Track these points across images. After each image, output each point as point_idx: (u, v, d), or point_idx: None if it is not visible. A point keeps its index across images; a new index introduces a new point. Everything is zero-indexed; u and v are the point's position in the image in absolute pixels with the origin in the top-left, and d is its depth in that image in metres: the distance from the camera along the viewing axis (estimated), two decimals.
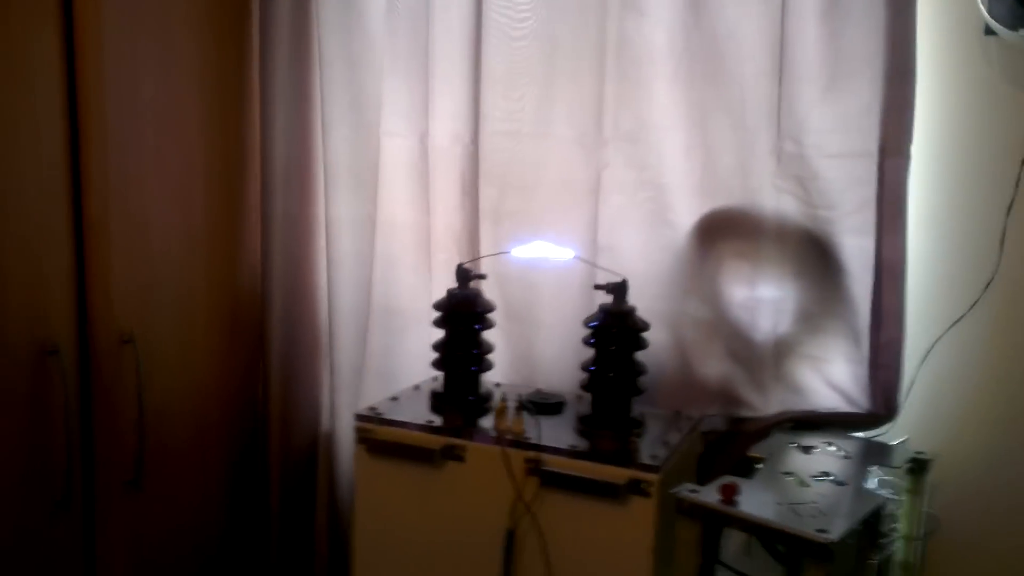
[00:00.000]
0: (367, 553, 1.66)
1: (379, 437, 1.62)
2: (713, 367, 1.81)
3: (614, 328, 1.57)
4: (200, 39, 1.86)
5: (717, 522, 1.37)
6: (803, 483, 1.46)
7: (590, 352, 1.61)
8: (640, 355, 1.61)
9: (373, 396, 1.96)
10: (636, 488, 1.44)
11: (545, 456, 1.50)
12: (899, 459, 1.61)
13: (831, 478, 1.48)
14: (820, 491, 1.42)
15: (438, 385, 1.78)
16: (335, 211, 2.04)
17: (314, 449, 2.16)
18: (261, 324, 2.08)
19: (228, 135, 1.96)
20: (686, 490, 1.39)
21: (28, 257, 1.53)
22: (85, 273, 1.63)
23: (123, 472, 1.72)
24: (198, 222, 1.89)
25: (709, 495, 1.37)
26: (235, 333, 2.02)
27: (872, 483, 1.53)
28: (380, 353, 2.04)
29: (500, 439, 1.53)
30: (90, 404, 1.66)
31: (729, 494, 1.36)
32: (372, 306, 2.04)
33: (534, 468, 1.50)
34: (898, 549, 1.68)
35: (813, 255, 1.73)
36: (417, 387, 1.85)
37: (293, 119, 2.05)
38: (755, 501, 1.36)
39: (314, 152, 2.08)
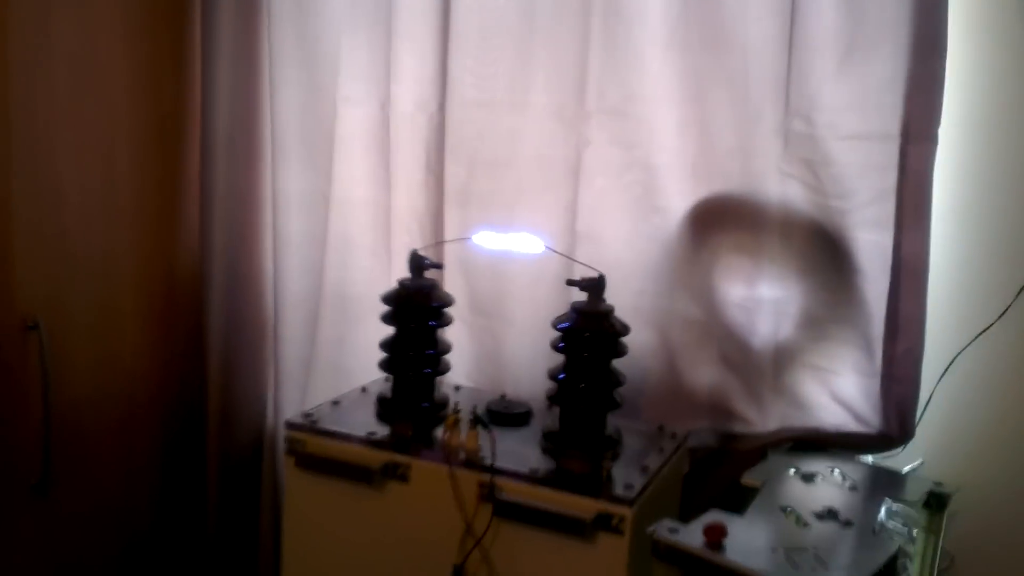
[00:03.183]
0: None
1: (311, 450, 1.40)
2: (704, 375, 1.59)
3: (587, 332, 1.34)
4: None
5: (699, 571, 1.15)
6: (802, 522, 1.24)
7: (560, 358, 1.39)
8: (619, 363, 1.38)
9: (322, 393, 1.77)
10: (606, 524, 1.23)
11: (501, 481, 1.28)
12: (913, 491, 1.40)
13: (836, 517, 1.26)
14: (822, 533, 1.21)
15: (389, 387, 1.55)
16: (283, 185, 1.82)
17: (259, 448, 1.95)
18: (199, 310, 1.85)
19: (162, 93, 1.73)
20: (664, 529, 1.17)
21: None
22: None
23: (26, 476, 1.51)
24: (124, 193, 1.66)
25: (691, 536, 1.16)
26: (169, 319, 1.80)
27: (883, 521, 1.31)
28: (331, 345, 1.83)
29: (449, 458, 1.31)
30: None
31: (715, 536, 1.14)
32: (323, 293, 1.82)
33: (488, 494, 1.28)
34: None
35: (822, 251, 1.52)
36: (364, 389, 1.62)
37: (238, 78, 1.82)
38: (745, 545, 1.14)
39: (261, 117, 1.85)
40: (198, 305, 1.85)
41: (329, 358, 1.83)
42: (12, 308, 1.46)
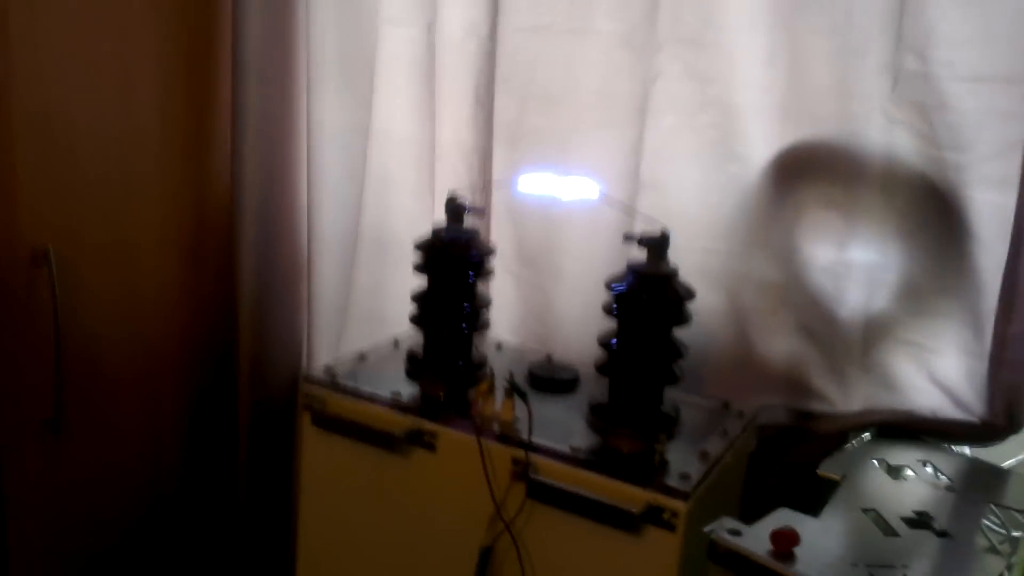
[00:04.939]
0: (313, 547, 1.33)
1: (330, 410, 1.26)
2: (779, 345, 1.40)
3: (645, 295, 1.16)
4: None
5: None
6: (890, 530, 1.05)
7: (612, 324, 1.20)
8: (681, 330, 1.20)
9: (357, 341, 1.65)
10: (656, 518, 1.06)
11: (537, 459, 1.12)
12: (1018, 491, 1.20)
13: (929, 524, 1.07)
14: (913, 545, 1.02)
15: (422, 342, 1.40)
16: (319, 114, 1.66)
17: (293, 397, 1.83)
18: (231, 246, 1.72)
19: (186, 6, 1.56)
20: (724, 529, 1.00)
21: None
22: None
23: (37, 410, 1.41)
24: (145, 115, 1.52)
25: (756, 541, 0.98)
26: (197, 255, 1.66)
27: (984, 527, 1.12)
28: (367, 291, 1.69)
29: (480, 429, 1.16)
30: None
31: (785, 545, 0.97)
32: (361, 234, 1.67)
33: (521, 473, 1.12)
34: None
35: (930, 211, 1.30)
36: (397, 342, 1.47)
37: None
38: (820, 556, 0.97)
39: (296, 38, 1.68)
40: (229, 241, 1.71)
41: (365, 304, 1.69)
42: (19, 238, 1.35)
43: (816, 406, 1.39)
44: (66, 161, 1.40)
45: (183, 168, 1.61)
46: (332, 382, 1.28)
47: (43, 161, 1.37)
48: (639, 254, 1.21)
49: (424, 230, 1.50)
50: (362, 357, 1.40)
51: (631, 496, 1.07)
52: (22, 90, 1.31)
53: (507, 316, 1.56)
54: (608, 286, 1.19)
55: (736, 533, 1.00)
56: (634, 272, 1.17)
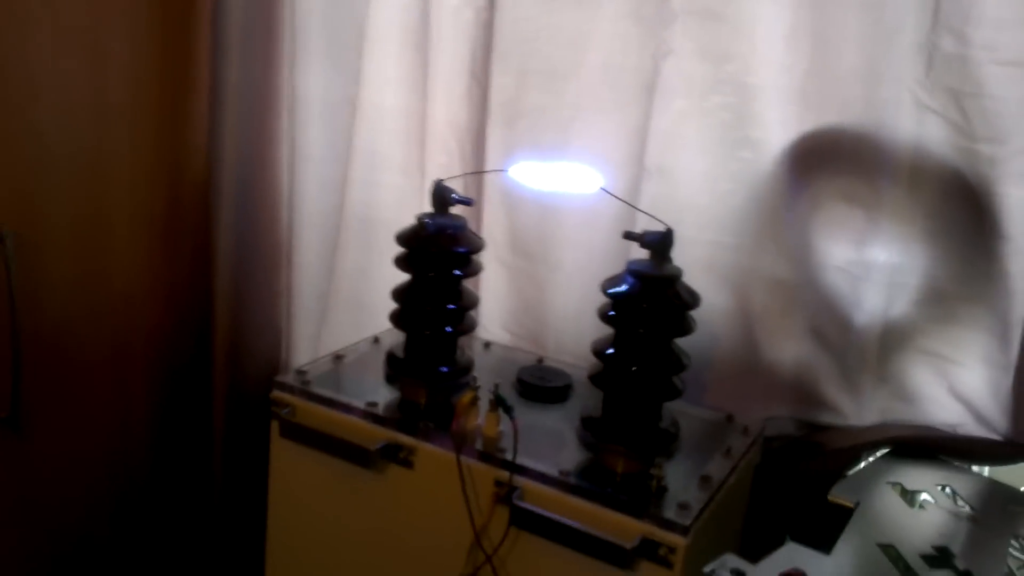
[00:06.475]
0: (281, 563, 1.24)
1: (299, 420, 1.17)
2: (789, 351, 1.30)
3: (645, 302, 1.05)
4: None
5: None
6: (909, 570, 0.96)
7: (608, 330, 1.10)
8: (683, 341, 1.09)
9: (340, 330, 1.56)
10: (651, 553, 0.97)
11: (522, 482, 1.03)
12: None
13: (950, 562, 0.98)
14: None
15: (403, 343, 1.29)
16: (304, 85, 1.54)
17: (271, 387, 1.73)
18: (207, 227, 1.61)
19: None
20: (727, 569, 0.91)
21: None
22: None
23: None
24: (116, 85, 1.41)
25: None
26: (171, 236, 1.56)
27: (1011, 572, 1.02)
28: (352, 276, 1.58)
29: (460, 447, 1.06)
30: None
31: None
32: (345, 214, 1.56)
33: (505, 497, 1.03)
34: None
35: (959, 209, 1.19)
36: (377, 340, 1.37)
37: None
38: None
39: (281, 6, 1.55)
40: (205, 222, 1.61)
41: (349, 291, 1.58)
42: None
43: (827, 418, 1.30)
44: (28, 135, 1.30)
45: (157, 145, 1.50)
46: (303, 388, 1.18)
47: (2, 135, 1.26)
48: (636, 258, 1.10)
49: (412, 212, 1.39)
50: (338, 358, 1.30)
51: (625, 528, 0.97)
52: None
53: (498, 310, 1.46)
54: (604, 290, 1.08)
55: (740, 574, 0.90)
56: (634, 275, 1.06)
